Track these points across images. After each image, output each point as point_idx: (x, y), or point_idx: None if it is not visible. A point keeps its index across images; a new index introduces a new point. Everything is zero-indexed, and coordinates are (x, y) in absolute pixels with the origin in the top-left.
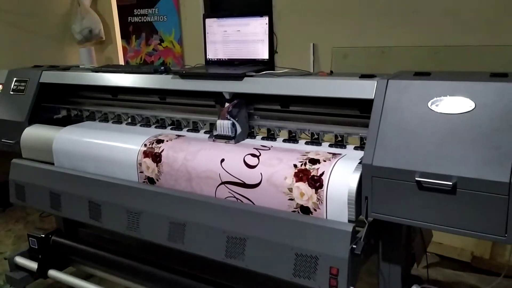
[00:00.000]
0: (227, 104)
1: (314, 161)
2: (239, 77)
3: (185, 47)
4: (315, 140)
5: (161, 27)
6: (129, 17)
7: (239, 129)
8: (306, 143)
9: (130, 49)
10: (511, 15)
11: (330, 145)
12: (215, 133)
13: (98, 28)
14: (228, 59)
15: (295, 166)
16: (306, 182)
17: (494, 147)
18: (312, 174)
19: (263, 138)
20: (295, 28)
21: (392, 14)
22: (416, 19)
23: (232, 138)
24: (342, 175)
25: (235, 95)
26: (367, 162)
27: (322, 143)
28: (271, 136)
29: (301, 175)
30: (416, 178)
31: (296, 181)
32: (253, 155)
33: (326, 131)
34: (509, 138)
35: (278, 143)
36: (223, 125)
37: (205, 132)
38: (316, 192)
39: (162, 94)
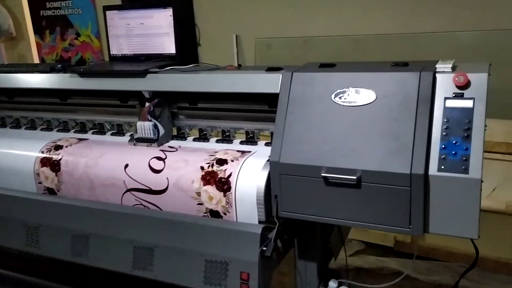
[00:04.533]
0: (147, 104)
1: (221, 162)
2: (141, 74)
3: (104, 41)
4: (226, 138)
5: (76, 20)
6: (41, 11)
7: (161, 131)
8: (217, 141)
9: (45, 45)
10: (426, 4)
11: (241, 142)
12: (135, 136)
13: (7, 23)
14: (133, 54)
15: (202, 168)
16: (214, 185)
17: (394, 138)
18: (219, 176)
19: (172, 138)
20: (218, 19)
21: (313, 4)
22: (337, 9)
23: (155, 140)
24: (250, 175)
25: (155, 94)
26: (274, 160)
27: (234, 141)
28: (181, 135)
29: (209, 177)
30: (322, 174)
31: (204, 185)
32: (158, 158)
33: (237, 127)
34: (408, 127)
35: (188, 142)
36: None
37: (111, 134)
38: (224, 195)
39: (62, 94)
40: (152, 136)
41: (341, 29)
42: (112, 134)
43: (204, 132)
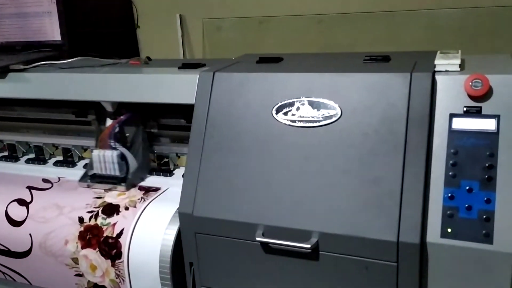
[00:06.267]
0: (110, 122)
1: (110, 210)
2: None
3: None
4: None
5: None
6: None
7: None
8: None
9: None
10: None
11: (151, 172)
12: (90, 172)
13: None
14: (6, 42)
15: (81, 220)
16: (97, 249)
17: (371, 181)
18: (105, 235)
19: (55, 164)
20: None
21: None
22: None
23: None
24: (151, 232)
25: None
26: (186, 211)
27: None
28: (69, 158)
29: (89, 236)
30: (258, 238)
31: (83, 247)
32: (21, 201)
33: None
34: (393, 164)
35: (78, 170)
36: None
37: None
38: (113, 265)
39: None
40: (117, 173)
41: (303, 8)
42: None
43: None
